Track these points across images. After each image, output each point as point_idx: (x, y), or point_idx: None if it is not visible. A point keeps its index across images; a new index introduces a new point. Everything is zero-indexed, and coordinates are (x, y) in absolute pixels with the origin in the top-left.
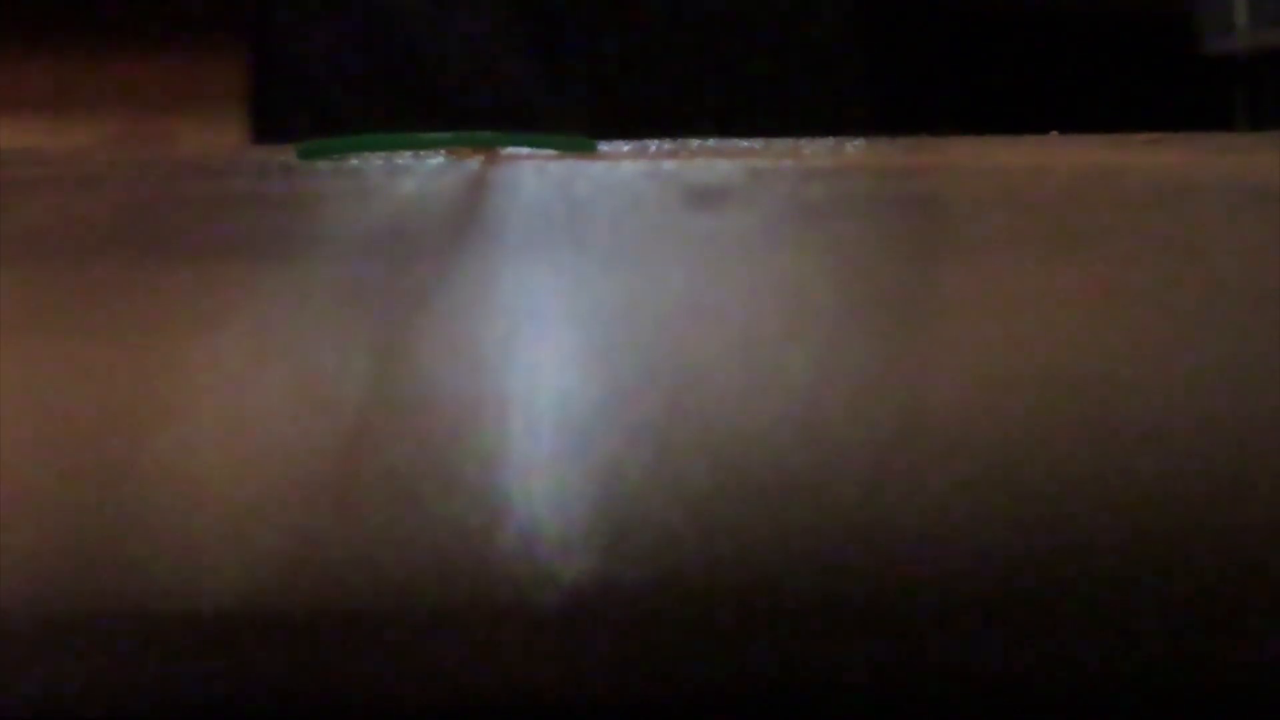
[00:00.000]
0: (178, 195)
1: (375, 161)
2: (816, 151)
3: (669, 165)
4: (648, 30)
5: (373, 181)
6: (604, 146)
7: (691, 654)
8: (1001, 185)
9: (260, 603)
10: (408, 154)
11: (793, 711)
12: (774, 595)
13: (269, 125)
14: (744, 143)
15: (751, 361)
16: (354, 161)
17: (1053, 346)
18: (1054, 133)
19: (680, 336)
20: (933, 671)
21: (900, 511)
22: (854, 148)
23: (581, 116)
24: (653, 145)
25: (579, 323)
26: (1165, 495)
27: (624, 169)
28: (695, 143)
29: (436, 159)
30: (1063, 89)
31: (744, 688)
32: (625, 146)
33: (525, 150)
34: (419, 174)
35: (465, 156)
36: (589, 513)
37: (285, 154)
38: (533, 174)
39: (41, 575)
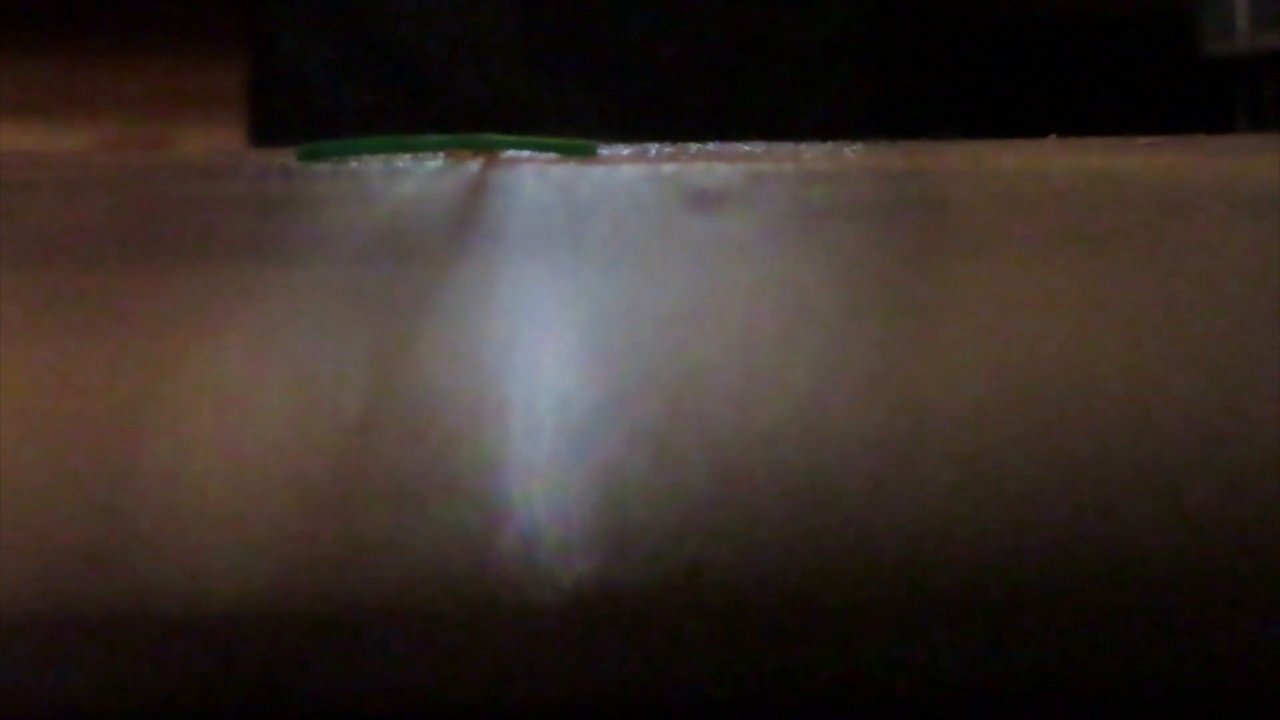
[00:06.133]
0: (177, 198)
1: (375, 164)
2: (816, 155)
3: (669, 169)
4: (648, 34)
5: (372, 184)
6: (604, 150)
7: (692, 656)
8: (1001, 189)
9: (260, 605)
10: (407, 156)
11: (793, 712)
12: (774, 597)
13: (268, 128)
14: (744, 146)
15: (752, 364)
16: (353, 164)
17: (1052, 350)
18: (1053, 136)
19: (680, 339)
20: (933, 671)
21: (901, 514)
22: (853, 152)
23: (581, 120)
24: (653, 149)
25: (579, 326)
26: (1164, 496)
27: (624, 172)
28: (695, 146)
29: (436, 162)
30: (1062, 92)
31: (744, 689)
32: (625, 150)
33: (525, 153)
34: (419, 176)
35: (465, 159)
36: (589, 515)
37: (285, 156)
38: (533, 177)
39: (41, 576)
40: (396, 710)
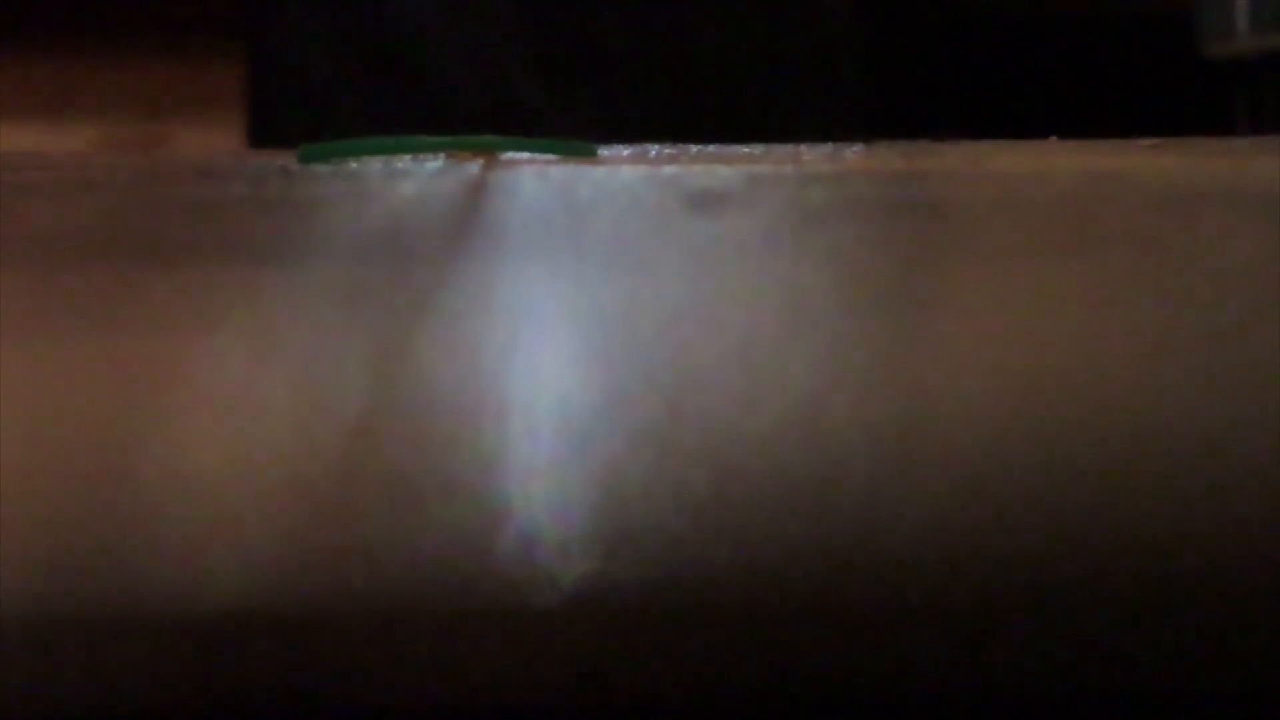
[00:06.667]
0: (177, 199)
1: (375, 165)
2: (816, 157)
3: (669, 170)
4: (648, 36)
5: (372, 185)
6: (604, 151)
7: (691, 656)
8: (1001, 190)
9: (260, 605)
10: (407, 158)
11: (793, 712)
12: (774, 597)
13: (268, 129)
14: (744, 148)
15: (751, 365)
16: (353, 165)
17: (1053, 350)
18: (1054, 137)
19: (680, 341)
20: (933, 671)
21: (900, 514)
22: (853, 153)
23: (581, 121)
24: (653, 150)
25: (579, 327)
26: (1165, 497)
27: (624, 174)
28: (695, 148)
29: (436, 163)
30: (1063, 93)
31: (744, 688)
32: (625, 151)
33: (525, 154)
34: (419, 178)
35: (465, 160)
36: (589, 516)
37: (285, 158)
38: (532, 178)
39: (42, 577)
40: (396, 710)
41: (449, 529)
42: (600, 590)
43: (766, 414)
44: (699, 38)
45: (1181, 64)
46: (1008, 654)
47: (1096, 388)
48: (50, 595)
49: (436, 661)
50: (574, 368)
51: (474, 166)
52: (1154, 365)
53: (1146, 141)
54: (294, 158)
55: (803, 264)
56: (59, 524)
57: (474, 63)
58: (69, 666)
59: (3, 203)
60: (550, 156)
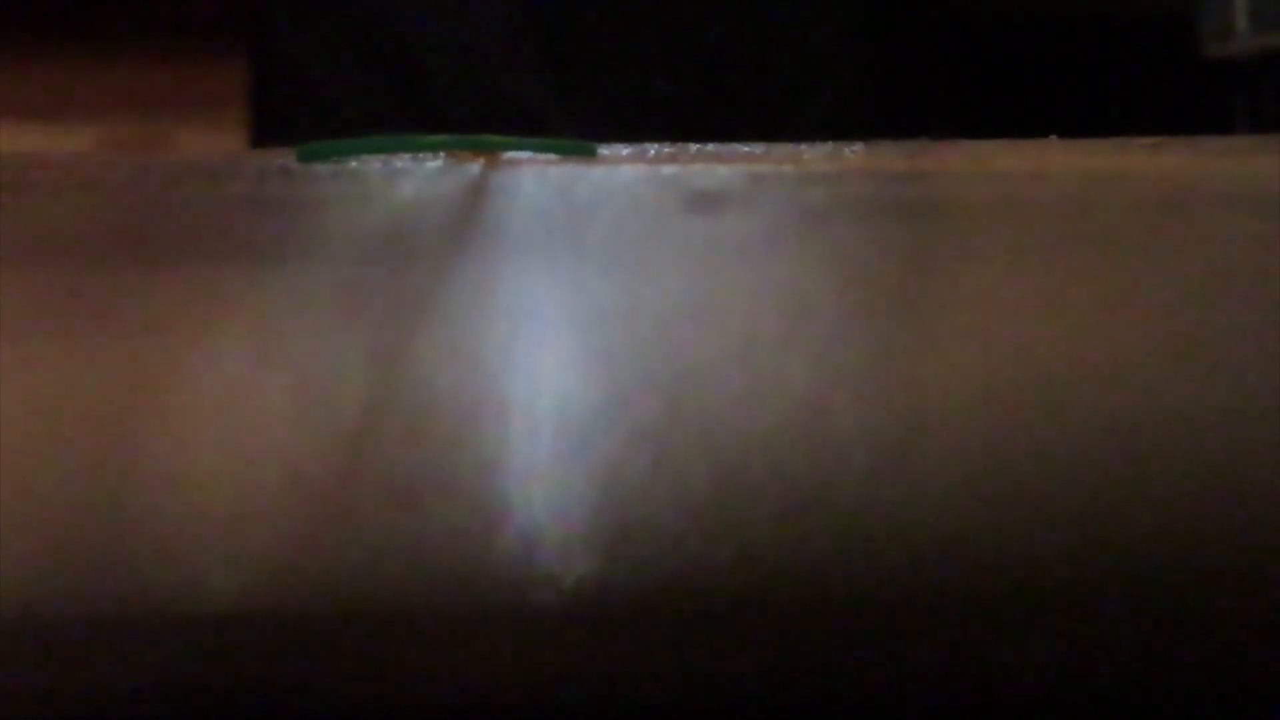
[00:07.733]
0: (177, 199)
1: (375, 165)
2: (816, 156)
3: (669, 170)
4: (648, 35)
5: (372, 185)
6: (604, 151)
7: (691, 655)
8: (1001, 190)
9: (260, 606)
10: (408, 157)
11: (793, 711)
12: (774, 597)
13: (269, 128)
14: (744, 147)
15: (751, 365)
16: (354, 164)
17: (1052, 351)
18: (1054, 137)
19: (680, 340)
20: (932, 669)
21: (899, 514)
22: (854, 152)
23: (581, 120)
24: (652, 150)
25: (579, 327)
26: (1165, 496)
27: (624, 173)
28: (695, 147)
29: (436, 162)
30: (1063, 93)
31: (744, 688)
32: (625, 151)
33: (525, 154)
34: (419, 177)
35: (465, 160)
36: (589, 516)
37: (285, 157)
38: (532, 178)
39: (42, 578)
40: (397, 709)
41: (449, 529)
42: (600, 590)
43: (766, 413)
44: (699, 37)
45: (1181, 64)
46: (1008, 653)
47: (1095, 387)
48: (50, 595)
49: (436, 661)
50: (574, 368)
51: (474, 166)
52: (1153, 364)
53: (1146, 141)
54: (294, 157)
55: (803, 263)
56: (59, 524)
57: (474, 63)
58: (69, 666)
59: (3, 203)
60: (550, 156)
